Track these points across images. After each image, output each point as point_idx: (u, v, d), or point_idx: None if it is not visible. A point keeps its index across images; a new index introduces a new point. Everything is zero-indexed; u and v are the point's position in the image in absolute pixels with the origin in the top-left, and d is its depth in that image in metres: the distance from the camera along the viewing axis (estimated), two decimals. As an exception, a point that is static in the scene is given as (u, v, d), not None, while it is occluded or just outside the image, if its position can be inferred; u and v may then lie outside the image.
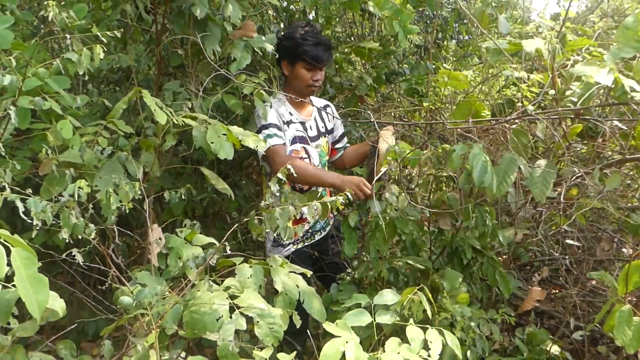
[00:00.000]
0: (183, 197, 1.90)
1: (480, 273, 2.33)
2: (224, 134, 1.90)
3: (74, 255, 1.27)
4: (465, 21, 4.88)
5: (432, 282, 2.01)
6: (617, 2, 3.84)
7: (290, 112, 2.58)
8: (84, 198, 1.24)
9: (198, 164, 2.93)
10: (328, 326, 1.31)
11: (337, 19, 4.55)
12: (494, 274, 2.31)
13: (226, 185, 2.19)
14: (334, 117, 2.76)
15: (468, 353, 2.18)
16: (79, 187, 1.22)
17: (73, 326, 1.82)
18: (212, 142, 1.87)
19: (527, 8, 6.59)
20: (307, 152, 2.61)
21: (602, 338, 3.02)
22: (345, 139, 2.91)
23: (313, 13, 4.05)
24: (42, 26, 2.44)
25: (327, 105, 2.79)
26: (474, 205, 2.09)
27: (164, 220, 2.75)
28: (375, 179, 2.24)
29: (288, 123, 2.56)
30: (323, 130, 2.73)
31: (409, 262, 2.01)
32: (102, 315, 2.05)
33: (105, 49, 1.61)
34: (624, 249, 3.00)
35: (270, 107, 2.45)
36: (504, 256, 3.09)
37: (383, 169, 2.29)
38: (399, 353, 1.24)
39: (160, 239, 2.00)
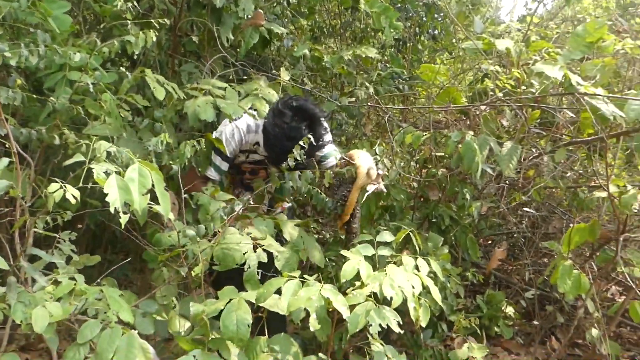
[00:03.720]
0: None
1: (454, 239, 2.75)
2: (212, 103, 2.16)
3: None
4: (439, 19, 5.27)
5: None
6: (577, 8, 4.31)
7: (258, 143, 2.38)
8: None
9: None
10: (346, 252, 1.69)
11: (318, 8, 4.80)
12: (465, 239, 2.73)
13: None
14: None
15: (442, 305, 2.60)
16: (161, 141, 1.55)
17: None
18: (198, 106, 2.12)
19: (497, 7, 7.05)
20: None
21: (549, 300, 3.48)
22: (325, 162, 2.42)
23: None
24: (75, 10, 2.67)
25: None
26: (459, 182, 2.51)
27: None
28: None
29: (248, 152, 2.44)
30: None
31: (397, 225, 2.39)
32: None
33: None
34: (571, 225, 3.47)
35: (233, 130, 2.32)
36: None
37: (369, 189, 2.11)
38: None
39: (174, 203, 2.33)
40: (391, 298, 1.48)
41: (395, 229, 2.25)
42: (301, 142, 1.90)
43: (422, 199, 2.84)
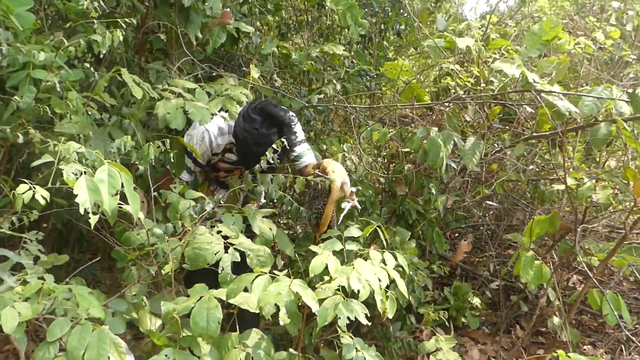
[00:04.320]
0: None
1: (421, 232, 2.82)
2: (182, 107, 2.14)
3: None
4: (405, 14, 5.34)
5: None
6: (534, 7, 4.44)
7: (232, 142, 2.35)
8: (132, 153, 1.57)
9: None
10: (314, 248, 1.73)
11: (284, 4, 4.81)
12: (432, 233, 2.80)
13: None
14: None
15: (410, 297, 2.67)
16: (125, 141, 1.55)
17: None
18: (168, 113, 2.10)
19: (460, 3, 7.17)
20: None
21: (513, 290, 3.59)
22: (299, 162, 2.41)
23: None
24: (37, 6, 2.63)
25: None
26: (425, 176, 2.58)
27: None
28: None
29: (219, 153, 2.42)
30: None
31: (365, 219, 2.44)
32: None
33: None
34: (534, 217, 3.59)
35: (203, 134, 2.31)
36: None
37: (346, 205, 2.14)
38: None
39: (143, 201, 2.33)
40: (358, 291, 1.53)
41: (364, 224, 2.30)
42: (274, 146, 1.92)
43: (389, 194, 2.91)
